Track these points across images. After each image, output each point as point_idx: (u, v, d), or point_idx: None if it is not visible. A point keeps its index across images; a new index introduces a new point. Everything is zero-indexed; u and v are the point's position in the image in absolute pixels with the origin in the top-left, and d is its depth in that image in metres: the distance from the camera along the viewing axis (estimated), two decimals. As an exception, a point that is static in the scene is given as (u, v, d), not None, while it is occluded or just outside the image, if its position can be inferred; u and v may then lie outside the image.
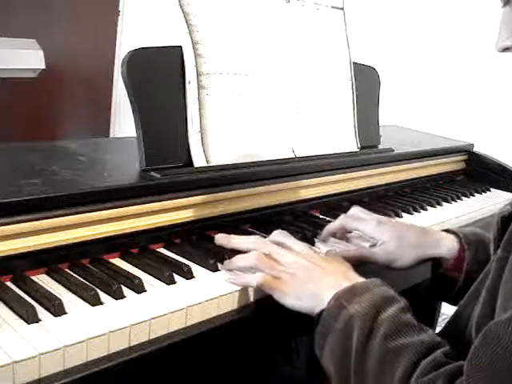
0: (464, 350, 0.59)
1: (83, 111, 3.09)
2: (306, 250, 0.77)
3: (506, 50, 0.67)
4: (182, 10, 0.93)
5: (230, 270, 0.78)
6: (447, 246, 0.87)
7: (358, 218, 0.92)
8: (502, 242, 0.64)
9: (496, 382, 0.51)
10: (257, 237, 0.79)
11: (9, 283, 0.69)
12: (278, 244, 0.79)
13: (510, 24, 0.65)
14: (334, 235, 0.95)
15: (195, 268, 0.78)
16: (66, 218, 0.73)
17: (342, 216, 0.95)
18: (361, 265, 0.87)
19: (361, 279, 0.71)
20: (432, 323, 1.57)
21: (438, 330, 1.68)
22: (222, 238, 0.84)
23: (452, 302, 0.93)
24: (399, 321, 0.63)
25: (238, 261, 0.77)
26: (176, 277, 0.74)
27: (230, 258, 0.79)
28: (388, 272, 0.95)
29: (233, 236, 0.83)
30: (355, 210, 0.94)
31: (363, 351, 0.61)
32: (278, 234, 0.81)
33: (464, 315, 0.71)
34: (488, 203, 1.35)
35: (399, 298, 0.67)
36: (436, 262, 0.89)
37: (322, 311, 0.67)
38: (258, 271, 0.74)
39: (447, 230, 0.92)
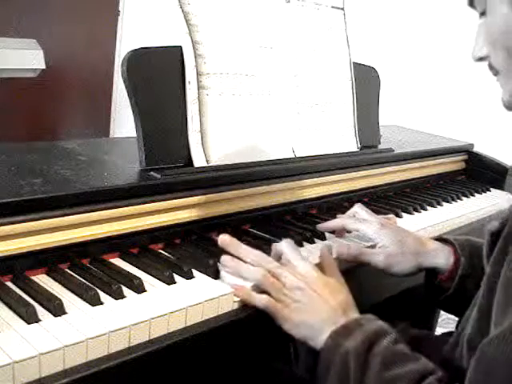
0: (456, 371, 0.60)
1: (83, 111, 3.09)
2: (310, 270, 0.75)
3: (480, 59, 0.69)
4: (182, 9, 0.93)
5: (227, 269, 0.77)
6: (444, 258, 0.88)
7: (360, 219, 0.93)
8: (490, 258, 0.65)
9: None
10: (263, 254, 0.78)
11: (9, 283, 0.69)
12: (283, 257, 0.78)
13: (484, 34, 0.67)
14: (332, 232, 0.96)
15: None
16: (65, 218, 0.73)
17: (344, 215, 0.95)
18: (357, 267, 0.87)
19: (356, 314, 0.72)
20: (431, 323, 1.57)
21: (438, 330, 1.68)
22: (229, 242, 0.79)
23: (443, 308, 0.95)
24: (392, 352, 0.65)
25: (242, 270, 0.75)
26: (176, 277, 0.74)
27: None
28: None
29: (241, 244, 0.79)
30: (358, 209, 0.94)
31: None
32: (286, 246, 0.79)
33: (455, 339, 0.72)
34: (488, 203, 1.35)
35: (391, 330, 0.69)
36: (429, 271, 0.90)
37: (322, 351, 0.69)
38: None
39: (442, 239, 0.92)
